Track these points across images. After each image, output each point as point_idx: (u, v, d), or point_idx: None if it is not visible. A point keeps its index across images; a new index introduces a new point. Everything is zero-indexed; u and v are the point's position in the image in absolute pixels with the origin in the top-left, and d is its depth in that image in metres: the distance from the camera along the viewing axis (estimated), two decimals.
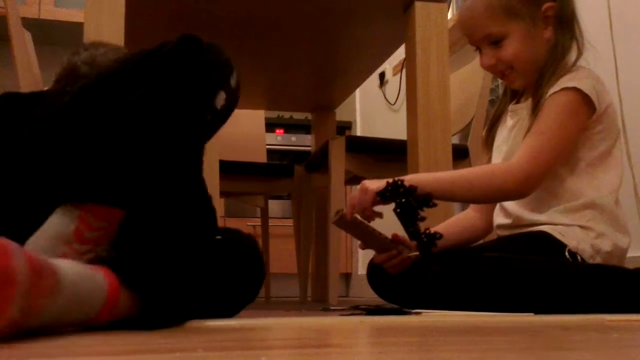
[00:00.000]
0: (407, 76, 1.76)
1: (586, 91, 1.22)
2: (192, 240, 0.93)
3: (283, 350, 0.58)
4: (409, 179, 1.22)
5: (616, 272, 1.19)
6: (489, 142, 1.45)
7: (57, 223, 0.78)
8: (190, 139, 0.91)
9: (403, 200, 1.20)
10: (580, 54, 1.31)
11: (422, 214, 1.20)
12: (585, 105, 1.24)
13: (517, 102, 1.39)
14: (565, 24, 1.31)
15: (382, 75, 3.62)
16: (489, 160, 1.44)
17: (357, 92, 3.77)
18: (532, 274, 1.17)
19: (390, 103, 3.53)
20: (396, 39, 1.94)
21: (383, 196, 1.22)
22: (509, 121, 1.39)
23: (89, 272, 0.72)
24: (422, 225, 1.22)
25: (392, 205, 1.22)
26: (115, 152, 0.81)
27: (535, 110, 1.27)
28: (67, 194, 0.80)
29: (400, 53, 2.12)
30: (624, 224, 1.28)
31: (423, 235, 1.20)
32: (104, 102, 0.84)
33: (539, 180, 1.23)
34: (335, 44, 2.04)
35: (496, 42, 1.31)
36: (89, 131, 0.82)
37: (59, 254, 0.76)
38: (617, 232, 1.26)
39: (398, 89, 3.36)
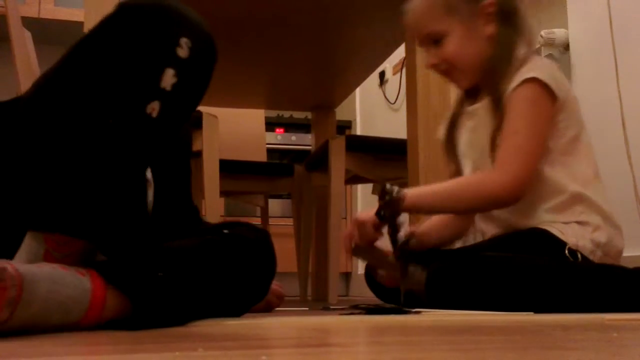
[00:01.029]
0: (407, 75, 1.76)
1: (545, 80, 1.22)
2: (181, 237, 0.90)
3: (283, 349, 0.58)
4: (410, 195, 1.23)
5: (615, 272, 1.19)
6: (449, 147, 1.42)
7: (27, 248, 0.77)
8: (136, 147, 0.78)
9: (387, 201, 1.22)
10: (530, 47, 1.30)
11: (400, 218, 1.22)
12: (547, 94, 1.23)
13: (473, 103, 1.37)
14: (508, 19, 1.29)
15: (382, 75, 3.62)
16: (458, 168, 1.40)
17: (357, 91, 3.77)
18: (532, 274, 1.16)
19: (390, 102, 3.53)
20: (396, 39, 1.94)
21: (379, 215, 1.24)
22: (468, 123, 1.37)
23: (71, 277, 0.71)
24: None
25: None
26: (52, 181, 0.76)
27: (498, 107, 1.25)
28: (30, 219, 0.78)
29: (400, 52, 2.12)
30: (610, 216, 1.27)
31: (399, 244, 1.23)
32: (34, 128, 0.76)
33: (527, 181, 1.21)
34: (335, 43, 2.03)
35: (438, 40, 1.31)
36: (24, 156, 0.77)
37: None
38: (607, 225, 1.25)
39: (398, 88, 3.36)
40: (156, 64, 0.75)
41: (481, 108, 1.33)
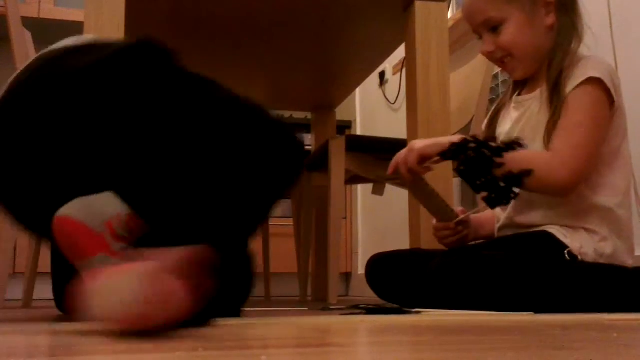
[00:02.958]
0: (407, 75, 1.76)
1: (607, 83, 1.21)
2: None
3: (283, 349, 0.58)
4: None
5: (615, 271, 1.19)
6: (489, 134, 1.43)
7: (115, 203, 0.82)
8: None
9: (472, 154, 1.18)
10: (580, 40, 1.30)
11: (499, 160, 1.17)
12: (607, 98, 1.23)
13: (520, 94, 1.37)
14: (567, 10, 1.29)
15: (382, 75, 3.62)
16: None
17: (357, 91, 3.77)
18: (532, 273, 1.16)
19: (390, 102, 3.53)
20: (396, 39, 1.94)
21: (444, 156, 1.23)
22: (513, 113, 1.37)
23: None
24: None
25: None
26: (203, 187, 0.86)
27: (553, 100, 1.24)
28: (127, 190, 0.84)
29: (400, 52, 2.12)
30: (626, 234, 1.25)
31: (501, 181, 1.17)
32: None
33: (582, 178, 1.20)
34: (335, 43, 2.03)
35: (495, 28, 1.29)
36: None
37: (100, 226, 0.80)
38: (616, 239, 1.24)
39: (398, 88, 3.36)
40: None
41: (530, 100, 1.32)
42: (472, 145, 1.18)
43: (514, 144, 1.18)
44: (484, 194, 1.20)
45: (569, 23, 1.29)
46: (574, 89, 1.22)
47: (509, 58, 1.31)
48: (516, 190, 1.18)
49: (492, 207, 1.22)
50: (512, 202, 1.31)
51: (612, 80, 1.23)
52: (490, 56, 1.34)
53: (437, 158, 1.25)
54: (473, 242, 1.45)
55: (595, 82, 1.21)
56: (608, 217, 1.24)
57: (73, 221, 0.79)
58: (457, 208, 1.42)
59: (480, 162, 1.17)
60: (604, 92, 1.22)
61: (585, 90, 1.22)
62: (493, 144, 1.19)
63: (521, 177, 1.16)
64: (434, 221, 1.41)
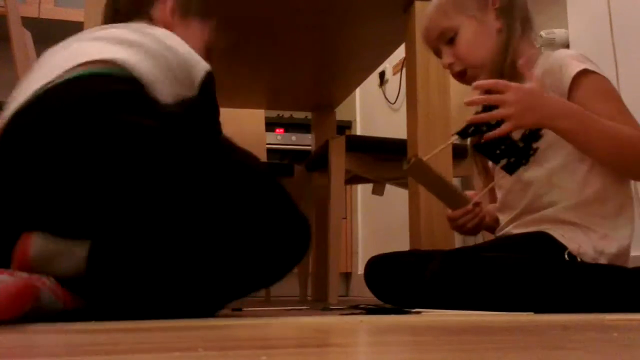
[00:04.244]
0: (407, 75, 1.76)
1: (599, 72, 1.21)
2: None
3: (283, 349, 0.58)
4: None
5: (615, 272, 1.18)
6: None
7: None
8: None
9: (486, 129, 1.18)
10: (527, 39, 1.31)
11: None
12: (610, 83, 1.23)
13: None
14: (507, 12, 1.31)
15: (382, 75, 3.62)
16: (484, 165, 1.42)
17: (357, 91, 3.77)
18: (531, 274, 1.16)
19: (390, 102, 3.53)
20: (396, 39, 1.94)
21: (463, 135, 1.22)
22: None
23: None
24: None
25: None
26: None
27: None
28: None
29: (400, 52, 2.12)
30: (629, 216, 1.25)
31: (519, 142, 1.19)
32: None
33: None
34: (335, 43, 2.03)
35: (451, 40, 1.33)
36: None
37: None
38: (618, 237, 1.23)
39: (398, 88, 3.36)
40: None
41: None
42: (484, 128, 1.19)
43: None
44: (503, 162, 1.20)
45: (512, 23, 1.31)
46: (574, 86, 1.21)
47: (468, 69, 1.33)
48: (534, 145, 1.19)
49: (512, 172, 1.22)
50: (511, 211, 1.31)
51: (597, 65, 1.23)
52: (450, 68, 1.36)
53: (455, 137, 1.25)
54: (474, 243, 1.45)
55: (595, 74, 1.21)
56: (608, 214, 1.23)
57: (29, 251, 0.86)
58: (469, 192, 1.42)
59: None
60: (605, 79, 1.22)
61: (593, 82, 1.21)
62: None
63: (537, 131, 1.18)
64: (449, 211, 1.40)
